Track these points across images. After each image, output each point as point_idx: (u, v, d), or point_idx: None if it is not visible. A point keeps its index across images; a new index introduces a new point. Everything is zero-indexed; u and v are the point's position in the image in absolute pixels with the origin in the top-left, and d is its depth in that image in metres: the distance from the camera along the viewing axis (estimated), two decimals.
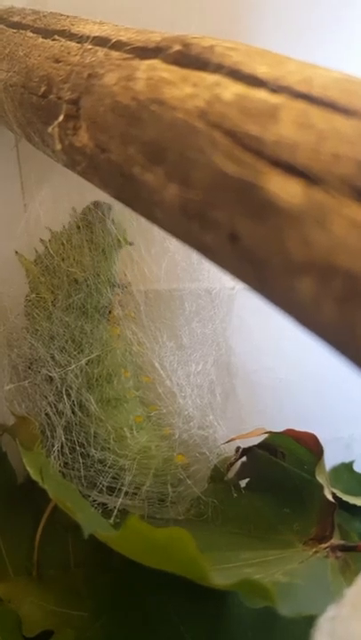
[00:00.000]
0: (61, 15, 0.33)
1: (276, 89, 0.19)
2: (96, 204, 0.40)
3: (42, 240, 0.39)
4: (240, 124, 0.19)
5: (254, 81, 0.20)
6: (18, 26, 0.35)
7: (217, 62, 0.22)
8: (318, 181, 0.16)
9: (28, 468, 0.32)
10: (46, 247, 0.39)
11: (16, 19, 0.36)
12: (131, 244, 0.40)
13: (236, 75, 0.21)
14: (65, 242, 0.39)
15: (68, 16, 0.33)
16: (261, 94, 0.20)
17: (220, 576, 0.23)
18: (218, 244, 0.20)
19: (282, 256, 0.17)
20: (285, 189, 0.17)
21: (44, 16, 0.34)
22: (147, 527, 0.20)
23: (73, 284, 0.37)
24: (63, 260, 0.38)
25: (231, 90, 0.20)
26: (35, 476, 0.32)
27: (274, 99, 0.19)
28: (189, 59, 0.23)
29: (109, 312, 0.38)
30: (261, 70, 0.20)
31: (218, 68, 0.22)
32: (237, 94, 0.20)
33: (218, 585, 0.23)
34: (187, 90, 0.22)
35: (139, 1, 0.41)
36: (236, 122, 0.19)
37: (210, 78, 0.21)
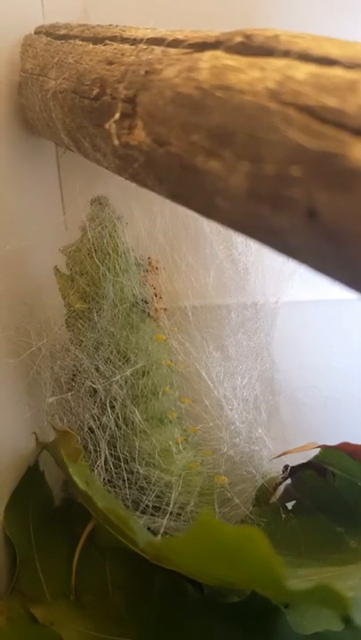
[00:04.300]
0: (110, 25, 0.34)
1: (351, 66, 0.19)
2: (93, 200, 0.39)
3: (60, 249, 0.39)
4: (317, 99, 0.19)
5: (327, 61, 0.20)
6: (66, 37, 0.35)
7: (284, 49, 0.22)
8: None
9: (76, 479, 0.30)
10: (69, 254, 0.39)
11: (63, 32, 0.36)
12: (119, 218, 0.39)
13: (307, 57, 0.21)
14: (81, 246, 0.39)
15: (117, 25, 0.33)
16: (337, 71, 0.19)
17: (292, 583, 0.21)
18: (293, 224, 0.19)
19: None
20: None
21: (92, 27, 0.34)
22: (219, 523, 0.19)
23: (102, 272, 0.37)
24: (87, 256, 0.38)
25: (303, 70, 0.20)
26: (83, 486, 0.30)
27: (351, 74, 0.19)
28: (253, 48, 0.23)
29: (149, 311, 0.38)
30: (333, 52, 0.20)
31: (286, 54, 0.21)
32: (311, 73, 0.20)
33: (293, 590, 0.21)
34: (254, 74, 0.21)
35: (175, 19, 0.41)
36: (313, 97, 0.19)
37: (278, 62, 0.21)
